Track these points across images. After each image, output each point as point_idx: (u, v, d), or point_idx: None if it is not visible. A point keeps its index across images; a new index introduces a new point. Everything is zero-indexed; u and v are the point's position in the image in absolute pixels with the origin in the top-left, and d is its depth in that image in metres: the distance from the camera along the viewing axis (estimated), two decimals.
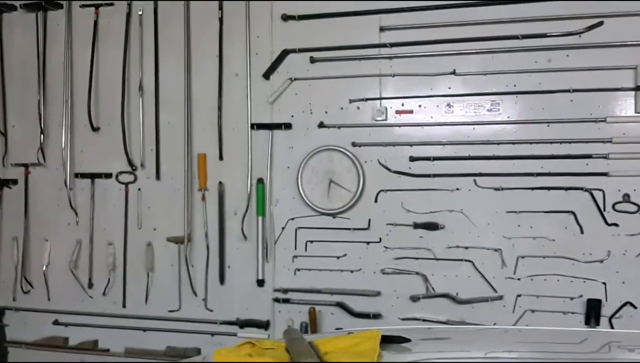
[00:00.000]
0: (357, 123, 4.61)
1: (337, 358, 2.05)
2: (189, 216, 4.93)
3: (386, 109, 4.55)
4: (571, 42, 4.21)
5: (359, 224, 4.61)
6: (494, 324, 4.26)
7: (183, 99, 4.93)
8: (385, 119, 4.56)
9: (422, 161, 4.48)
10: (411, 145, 4.52)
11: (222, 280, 4.89)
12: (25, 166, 5.34)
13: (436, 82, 4.47)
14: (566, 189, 4.23)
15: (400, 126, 4.54)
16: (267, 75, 4.77)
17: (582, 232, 4.21)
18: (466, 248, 4.41)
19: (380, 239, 4.57)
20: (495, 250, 4.36)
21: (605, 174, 4.16)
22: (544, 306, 4.27)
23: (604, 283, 4.18)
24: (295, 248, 4.74)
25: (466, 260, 4.41)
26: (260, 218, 4.77)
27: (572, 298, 4.23)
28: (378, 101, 4.57)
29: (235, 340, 4.52)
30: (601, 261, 4.19)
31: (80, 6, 5.21)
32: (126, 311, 5.12)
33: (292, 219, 4.74)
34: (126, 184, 5.10)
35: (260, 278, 4.79)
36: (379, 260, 4.57)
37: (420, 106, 4.51)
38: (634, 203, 4.14)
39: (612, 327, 4.12)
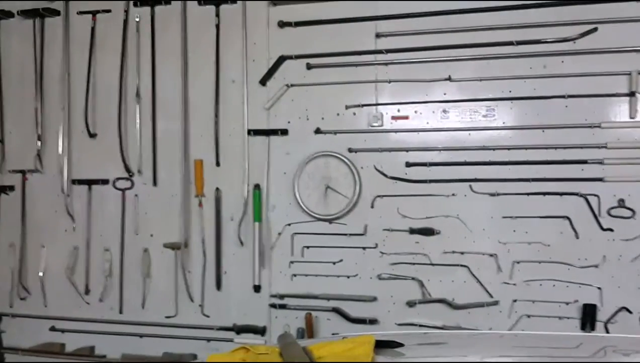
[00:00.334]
0: (353, 129, 4.62)
1: None
2: (186, 222, 4.94)
3: (382, 115, 4.57)
4: (566, 48, 4.23)
5: (355, 229, 4.62)
6: (490, 329, 4.27)
7: (180, 105, 4.95)
8: (381, 125, 4.57)
9: (418, 167, 4.49)
10: (407, 151, 4.53)
11: (218, 285, 4.90)
12: (23, 172, 5.34)
13: (432, 88, 4.49)
14: (561, 194, 4.25)
15: (396, 131, 4.56)
16: (263, 81, 4.78)
17: (577, 237, 4.23)
18: (462, 253, 4.42)
19: (377, 244, 4.58)
20: (491, 255, 4.37)
21: (600, 179, 4.18)
22: (540, 311, 4.29)
23: (599, 288, 4.19)
24: (292, 254, 4.74)
25: (462, 265, 4.42)
26: (256, 223, 4.78)
27: (567, 303, 4.24)
28: (374, 107, 4.59)
29: (232, 346, 4.46)
30: (596, 266, 4.20)
31: (77, 13, 5.23)
32: (123, 318, 5.12)
33: (289, 225, 4.75)
34: (123, 190, 5.11)
35: (256, 283, 4.80)
36: (375, 266, 4.58)
37: (416, 111, 4.52)
38: (628, 208, 4.15)
39: (607, 332, 4.13)
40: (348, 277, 4.63)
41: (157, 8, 5.03)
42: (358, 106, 4.61)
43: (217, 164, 4.89)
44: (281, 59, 4.74)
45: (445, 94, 4.47)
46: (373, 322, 4.56)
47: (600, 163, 4.18)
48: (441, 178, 4.45)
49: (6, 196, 5.41)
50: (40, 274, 5.28)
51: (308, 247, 4.71)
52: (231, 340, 4.79)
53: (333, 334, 4.48)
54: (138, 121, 5.06)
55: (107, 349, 5.13)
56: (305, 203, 4.68)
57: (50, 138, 5.28)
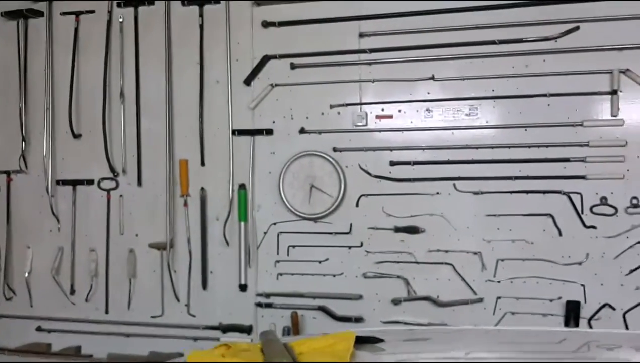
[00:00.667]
0: (338, 128, 4.63)
1: (311, 359, 2.07)
2: (171, 222, 4.94)
3: (366, 114, 4.58)
4: (548, 47, 4.26)
5: (340, 228, 4.63)
6: (475, 326, 4.29)
7: (164, 105, 4.94)
8: (366, 125, 4.59)
9: (403, 166, 4.51)
10: (391, 150, 4.55)
11: (204, 285, 4.90)
12: (7, 173, 5.33)
13: (415, 88, 4.51)
14: (544, 192, 4.27)
15: (380, 131, 4.58)
16: (247, 81, 4.79)
17: (560, 235, 4.26)
18: (446, 251, 4.45)
19: (362, 243, 4.59)
20: (475, 253, 4.39)
21: (582, 177, 4.21)
22: (524, 308, 4.31)
23: (583, 285, 4.22)
24: (278, 253, 4.75)
25: (446, 263, 4.45)
26: (242, 223, 4.79)
27: (551, 300, 4.26)
28: (358, 107, 4.60)
29: None
30: (580, 264, 4.23)
31: (61, 13, 5.22)
32: (109, 317, 5.12)
33: (274, 224, 4.76)
34: (108, 190, 5.10)
35: (242, 283, 4.81)
36: (361, 264, 4.60)
37: (400, 111, 4.54)
38: (611, 206, 4.18)
39: (590, 329, 4.15)
40: (334, 276, 4.65)
41: (141, 8, 5.03)
42: (342, 105, 4.62)
43: (202, 164, 4.89)
44: (265, 59, 4.75)
45: (428, 93, 4.49)
46: (359, 320, 4.56)
47: (583, 161, 4.21)
48: (425, 177, 4.46)
49: None
50: (26, 274, 5.27)
51: (294, 246, 4.72)
52: (217, 339, 4.78)
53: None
54: (122, 121, 5.05)
55: (94, 349, 5.12)
56: (291, 202, 4.69)
57: (35, 138, 5.27)
